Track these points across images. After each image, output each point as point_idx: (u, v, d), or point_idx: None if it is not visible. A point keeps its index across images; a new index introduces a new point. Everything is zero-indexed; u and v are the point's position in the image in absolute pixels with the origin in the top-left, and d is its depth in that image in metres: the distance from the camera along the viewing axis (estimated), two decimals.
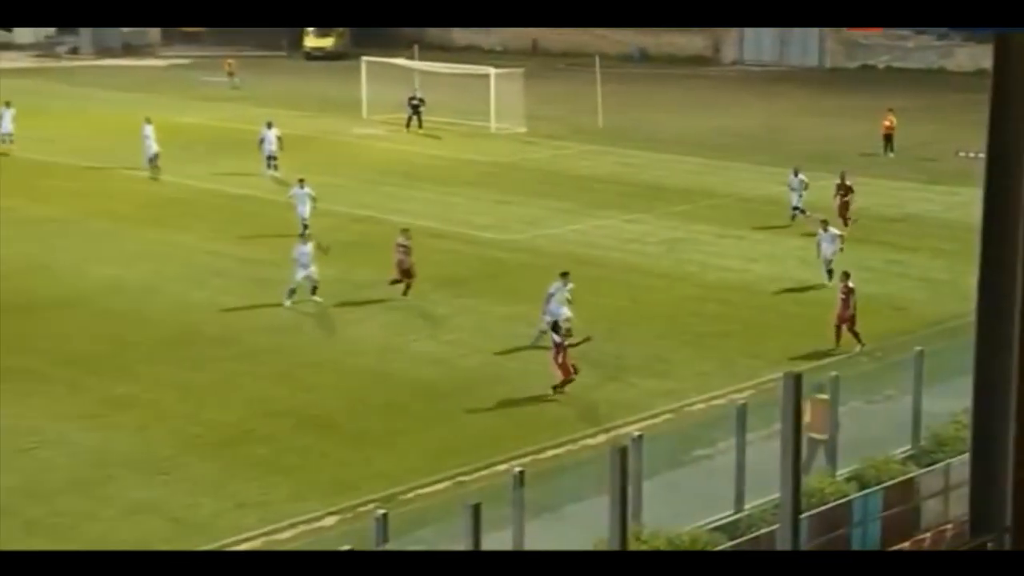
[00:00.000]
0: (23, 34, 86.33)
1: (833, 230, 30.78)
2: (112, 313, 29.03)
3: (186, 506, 19.85)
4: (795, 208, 36.50)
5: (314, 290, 29.27)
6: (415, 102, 53.16)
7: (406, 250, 29.90)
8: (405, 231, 30.47)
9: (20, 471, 20.94)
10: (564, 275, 26.62)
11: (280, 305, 29.30)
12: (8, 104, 48.44)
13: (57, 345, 26.87)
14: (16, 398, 24.00)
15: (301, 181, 34.82)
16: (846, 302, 26.16)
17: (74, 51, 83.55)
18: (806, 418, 18.22)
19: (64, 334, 27.56)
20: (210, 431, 22.60)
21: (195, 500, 20.02)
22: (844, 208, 35.58)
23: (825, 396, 19.01)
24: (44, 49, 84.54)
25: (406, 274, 29.80)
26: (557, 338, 24.26)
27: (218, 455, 21.69)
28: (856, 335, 26.16)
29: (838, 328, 26.19)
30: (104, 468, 21.09)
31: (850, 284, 26.35)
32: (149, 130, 44.33)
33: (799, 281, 31.24)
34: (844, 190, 35.75)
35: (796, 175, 36.80)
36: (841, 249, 30.35)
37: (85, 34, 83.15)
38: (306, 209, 34.22)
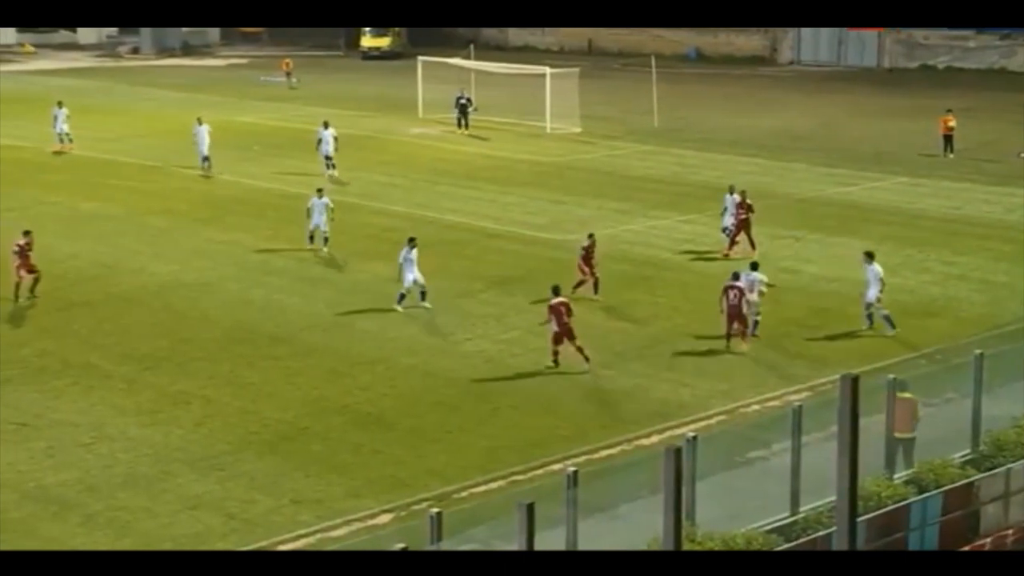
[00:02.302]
0: (86, 34, 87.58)
1: (877, 267, 27.27)
2: (170, 310, 29.31)
3: (242, 502, 19.96)
4: (725, 229, 33.48)
5: (423, 295, 29.13)
6: (463, 102, 53.11)
7: (588, 251, 29.63)
8: (591, 235, 30.12)
9: (80, 466, 21.19)
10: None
11: (334, 305, 29.48)
12: (60, 104, 48.93)
13: (117, 341, 27.18)
14: (77, 394, 24.32)
15: (320, 191, 34.30)
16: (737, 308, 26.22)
17: (135, 51, 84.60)
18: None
19: (123, 331, 27.87)
20: (266, 428, 22.74)
21: (251, 496, 20.13)
22: (741, 227, 32.82)
23: (909, 395, 18.86)
24: (106, 49, 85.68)
25: (583, 272, 29.70)
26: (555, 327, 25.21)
27: (274, 452, 21.81)
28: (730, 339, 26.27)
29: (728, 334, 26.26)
30: (162, 464, 21.28)
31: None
32: (202, 130, 44.54)
33: (857, 282, 30.94)
34: (745, 208, 32.90)
35: (732, 194, 33.55)
36: (879, 299, 27.19)
37: (146, 34, 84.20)
38: (323, 219, 33.38)
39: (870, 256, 27.82)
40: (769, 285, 27.71)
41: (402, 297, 28.94)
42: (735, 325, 26.30)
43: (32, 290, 29.81)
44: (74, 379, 25.00)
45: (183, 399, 24.00)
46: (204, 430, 22.67)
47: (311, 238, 33.79)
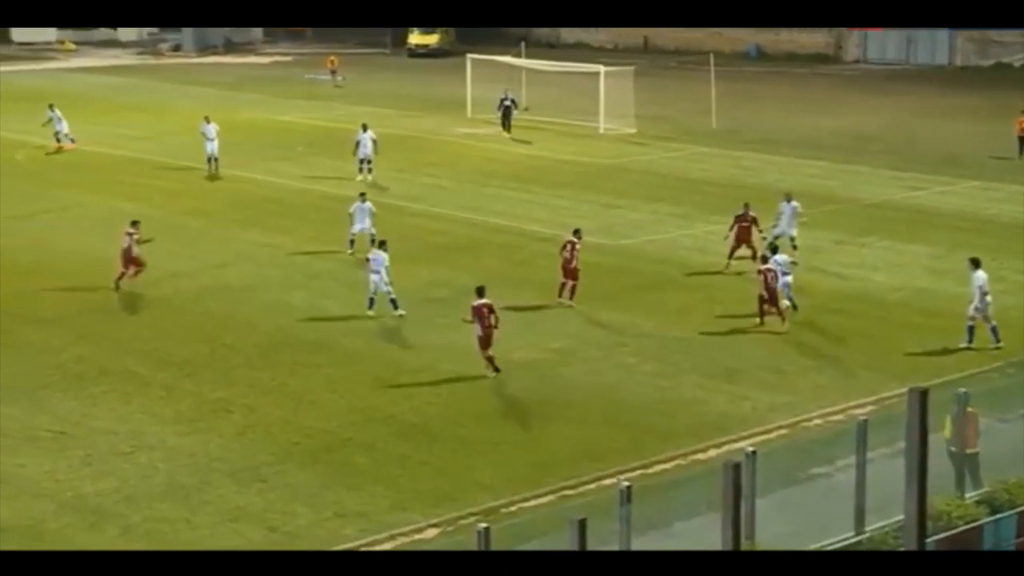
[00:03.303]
0: (126, 32, 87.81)
1: (981, 274, 25.84)
2: (210, 315, 28.77)
3: (284, 515, 19.45)
4: (782, 236, 32.12)
5: (394, 304, 28.36)
6: (507, 103, 52.27)
7: (573, 250, 28.88)
8: (577, 231, 29.57)
9: (118, 475, 20.78)
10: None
11: (377, 310, 28.81)
12: (52, 106, 48.78)
13: (155, 347, 26.67)
14: (115, 401, 23.89)
15: (363, 195, 33.52)
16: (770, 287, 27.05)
17: (176, 48, 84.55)
18: (946, 433, 17.65)
19: (162, 336, 27.36)
20: (308, 438, 22.19)
21: (293, 509, 19.64)
22: (744, 235, 31.29)
23: (970, 408, 18.18)
24: (147, 46, 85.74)
25: (571, 275, 28.83)
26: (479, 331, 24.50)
27: (316, 462, 21.29)
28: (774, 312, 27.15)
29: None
30: (201, 474, 20.82)
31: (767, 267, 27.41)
32: (209, 129, 43.85)
33: (925, 291, 29.93)
34: (749, 220, 31.33)
35: (789, 202, 32.47)
36: (979, 310, 26.01)
37: (187, 32, 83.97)
38: (367, 223, 32.69)
39: (976, 263, 26.32)
40: (792, 263, 28.86)
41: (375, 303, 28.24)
42: (767, 306, 26.97)
43: (119, 281, 30.28)
44: (112, 386, 24.56)
45: (223, 407, 23.48)
46: (245, 440, 22.18)
47: (351, 243, 33.12)
